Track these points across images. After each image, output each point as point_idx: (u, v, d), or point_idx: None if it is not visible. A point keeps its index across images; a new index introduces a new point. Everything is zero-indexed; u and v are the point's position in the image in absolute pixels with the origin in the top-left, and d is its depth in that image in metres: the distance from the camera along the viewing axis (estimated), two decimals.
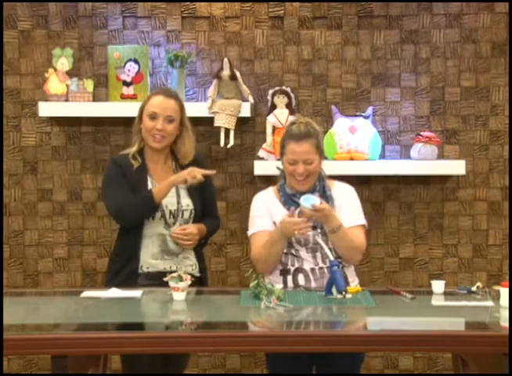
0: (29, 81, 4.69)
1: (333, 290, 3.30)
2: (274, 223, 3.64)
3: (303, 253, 3.62)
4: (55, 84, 4.56)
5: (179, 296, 3.32)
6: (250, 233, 3.72)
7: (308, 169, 3.61)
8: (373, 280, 4.74)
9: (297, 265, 3.61)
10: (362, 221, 3.71)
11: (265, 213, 3.67)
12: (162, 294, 3.42)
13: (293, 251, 3.62)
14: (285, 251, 3.62)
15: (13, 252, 4.77)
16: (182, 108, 3.81)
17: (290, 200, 3.66)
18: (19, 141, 4.74)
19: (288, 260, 3.62)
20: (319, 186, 3.69)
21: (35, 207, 4.76)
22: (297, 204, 3.62)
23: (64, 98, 4.57)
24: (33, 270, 4.78)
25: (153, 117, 3.72)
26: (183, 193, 3.77)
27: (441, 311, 3.28)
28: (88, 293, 3.47)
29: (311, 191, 3.66)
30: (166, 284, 3.38)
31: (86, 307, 3.34)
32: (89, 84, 4.58)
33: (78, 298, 3.43)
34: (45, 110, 4.56)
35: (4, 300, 3.27)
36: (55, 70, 4.56)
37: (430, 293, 3.49)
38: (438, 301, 3.40)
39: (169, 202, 3.73)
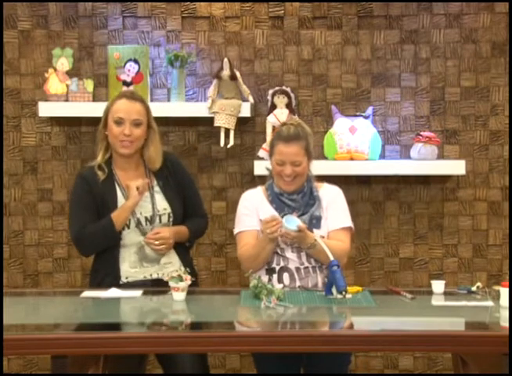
0: (29, 81, 4.69)
1: (333, 290, 3.30)
2: (261, 221, 3.64)
3: (288, 253, 3.63)
4: (55, 84, 4.56)
5: (179, 296, 3.32)
6: (236, 231, 3.73)
7: (295, 171, 3.62)
8: (373, 280, 4.74)
9: (282, 264, 3.63)
10: (348, 223, 3.72)
11: (253, 212, 3.68)
12: (162, 294, 3.42)
13: (278, 250, 3.62)
14: None
15: (13, 252, 4.77)
16: (148, 110, 3.68)
17: (277, 199, 3.68)
18: (19, 141, 4.74)
19: (273, 259, 3.63)
20: (307, 187, 3.70)
21: (35, 207, 4.76)
22: (284, 204, 3.65)
23: (64, 98, 4.57)
24: (33, 270, 4.78)
25: (119, 122, 3.59)
26: (159, 197, 3.68)
27: (441, 311, 3.28)
28: (88, 293, 3.47)
29: (299, 192, 3.67)
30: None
31: (86, 307, 3.34)
32: (89, 84, 4.58)
33: (78, 298, 3.43)
34: (45, 110, 4.56)
35: (4, 300, 3.27)
36: (55, 70, 4.56)
37: (430, 293, 3.49)
38: (438, 301, 3.41)
39: (143, 209, 3.64)
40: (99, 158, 3.67)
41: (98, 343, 2.87)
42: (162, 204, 3.68)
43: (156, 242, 3.61)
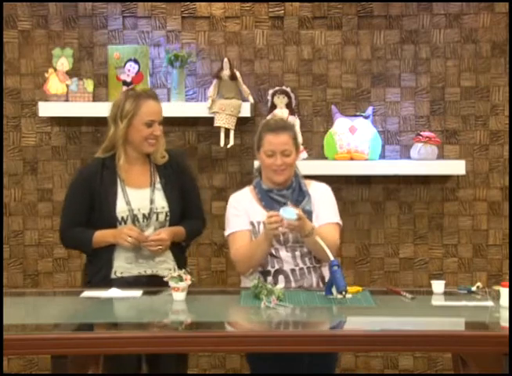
0: (29, 81, 4.70)
1: (333, 290, 3.30)
2: (251, 223, 3.63)
3: (282, 252, 3.59)
4: (55, 84, 4.56)
5: (179, 296, 3.31)
6: (227, 232, 3.68)
7: (285, 162, 3.59)
8: (373, 280, 4.74)
9: (277, 266, 3.59)
10: (337, 219, 3.70)
11: (242, 212, 3.65)
12: (162, 294, 3.43)
13: (272, 251, 3.58)
14: None
15: (13, 252, 4.77)
16: None
17: (266, 197, 3.65)
18: (19, 141, 4.74)
19: (268, 261, 3.60)
20: (295, 182, 3.68)
21: (35, 207, 4.76)
22: (274, 200, 3.62)
23: (64, 98, 4.57)
24: (33, 270, 4.79)
25: (151, 124, 3.63)
26: (159, 195, 3.68)
27: (441, 311, 3.28)
28: (88, 293, 3.47)
29: (288, 187, 3.65)
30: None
31: (86, 307, 3.34)
32: (89, 84, 4.58)
33: (78, 298, 3.43)
34: (45, 110, 4.56)
35: (4, 300, 3.27)
36: (55, 70, 4.56)
37: (430, 293, 3.49)
38: (438, 301, 3.40)
39: (142, 205, 3.64)
40: (122, 158, 3.65)
41: (98, 343, 2.87)
42: (161, 203, 3.67)
43: (153, 243, 3.60)
